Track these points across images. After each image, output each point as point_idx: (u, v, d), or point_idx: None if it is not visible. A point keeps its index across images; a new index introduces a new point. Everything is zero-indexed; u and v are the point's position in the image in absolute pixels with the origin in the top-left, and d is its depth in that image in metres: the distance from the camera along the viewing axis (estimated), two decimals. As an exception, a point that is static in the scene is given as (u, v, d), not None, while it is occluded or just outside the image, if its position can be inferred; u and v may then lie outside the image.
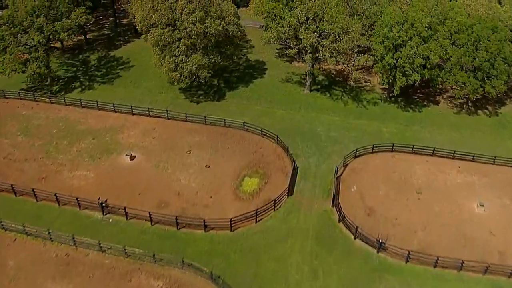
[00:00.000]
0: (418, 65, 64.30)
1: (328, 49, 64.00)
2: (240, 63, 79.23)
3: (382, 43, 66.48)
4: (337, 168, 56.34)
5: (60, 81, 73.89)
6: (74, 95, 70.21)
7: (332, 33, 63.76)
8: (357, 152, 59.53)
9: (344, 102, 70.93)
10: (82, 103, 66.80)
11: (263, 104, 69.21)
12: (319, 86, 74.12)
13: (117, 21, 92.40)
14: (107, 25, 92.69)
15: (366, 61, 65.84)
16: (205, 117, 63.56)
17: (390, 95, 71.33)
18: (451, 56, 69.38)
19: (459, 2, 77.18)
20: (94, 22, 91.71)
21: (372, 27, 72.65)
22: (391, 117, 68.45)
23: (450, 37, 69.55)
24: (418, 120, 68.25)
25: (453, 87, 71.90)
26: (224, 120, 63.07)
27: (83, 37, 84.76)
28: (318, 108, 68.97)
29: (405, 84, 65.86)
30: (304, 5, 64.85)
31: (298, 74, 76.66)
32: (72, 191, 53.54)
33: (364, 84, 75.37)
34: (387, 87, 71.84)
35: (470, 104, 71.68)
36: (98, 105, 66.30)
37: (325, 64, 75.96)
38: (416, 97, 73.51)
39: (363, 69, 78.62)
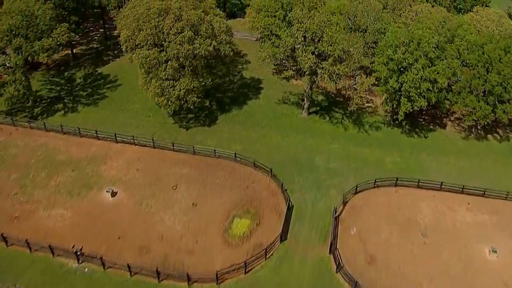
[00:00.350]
0: (424, 89, 58.42)
1: (328, 71, 58.16)
2: (234, 81, 73.46)
3: (386, 64, 60.56)
4: (336, 209, 50.80)
5: (43, 102, 68.32)
6: (56, 119, 64.63)
7: (332, 55, 57.85)
8: (358, 188, 53.97)
9: (344, 126, 65.13)
10: (64, 129, 61.32)
11: (258, 129, 63.45)
12: (318, 108, 68.27)
13: (107, 33, 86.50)
14: (96, 37, 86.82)
15: (369, 86, 59.88)
16: (193, 147, 58.01)
17: (394, 117, 65.42)
18: (460, 77, 63.58)
19: (467, 18, 70.98)
20: (83, 35, 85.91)
21: (375, 43, 66.69)
22: (394, 143, 62.62)
23: (458, 57, 63.58)
24: (424, 147, 62.43)
25: (462, 111, 65.87)
26: (214, 150, 57.47)
27: (70, 52, 79.03)
28: (317, 133, 63.19)
29: (411, 110, 59.97)
30: (301, 24, 58.87)
31: (296, 94, 70.78)
32: (47, 233, 48.31)
33: (366, 105, 69.50)
34: (390, 109, 65.86)
35: (479, 127, 65.68)
36: (80, 132, 60.82)
37: (325, 82, 70.03)
38: (421, 120, 67.62)
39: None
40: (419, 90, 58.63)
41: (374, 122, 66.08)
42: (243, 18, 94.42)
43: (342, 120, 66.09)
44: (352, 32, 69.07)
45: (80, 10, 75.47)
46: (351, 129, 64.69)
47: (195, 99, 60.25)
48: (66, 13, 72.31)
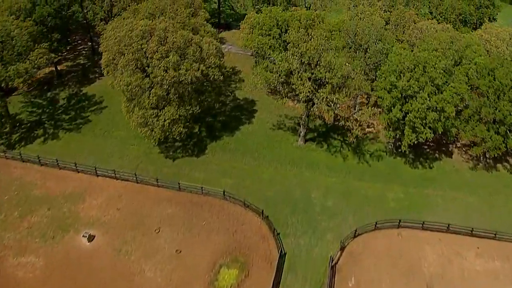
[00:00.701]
0: (431, 120, 52.63)
1: (325, 100, 52.40)
2: (226, 102, 67.67)
3: (389, 91, 54.71)
4: (332, 258, 45.41)
5: (22, 127, 62.73)
6: (35, 147, 59.07)
7: (330, 83, 52.04)
8: (357, 231, 48.54)
9: (343, 156, 59.39)
10: (41, 160, 55.86)
11: (250, 160, 57.75)
12: (315, 134, 62.45)
13: (95, 46, 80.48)
14: (84, 51, 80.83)
15: (370, 116, 54.11)
16: (179, 183, 52.48)
17: (398, 144, 59.59)
18: (468, 103, 57.80)
19: (476, 37, 64.72)
20: (70, 49, 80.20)
21: (378, 65, 60.72)
22: (397, 176, 56.92)
23: (467, 81, 57.72)
24: (429, 180, 56.71)
25: (470, 141, 59.79)
26: (202, 188, 51.99)
27: (54, 69, 73.21)
28: (313, 165, 57.46)
29: (415, 142, 54.26)
30: (297, 48, 53.01)
31: (292, 117, 64.88)
32: (15, 286, 43.28)
33: (367, 130, 63.60)
34: (393, 139, 59.85)
35: (488, 156, 59.92)
36: (59, 164, 55.41)
37: (322, 111, 63.24)
38: (426, 147, 61.69)
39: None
40: (424, 121, 52.89)
41: (375, 151, 60.31)
42: (239, 29, 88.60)
43: (341, 149, 60.30)
44: (352, 51, 63.46)
45: (63, 26, 69.52)
46: (350, 159, 58.96)
47: (181, 129, 54.54)
48: (46, 30, 66.55)
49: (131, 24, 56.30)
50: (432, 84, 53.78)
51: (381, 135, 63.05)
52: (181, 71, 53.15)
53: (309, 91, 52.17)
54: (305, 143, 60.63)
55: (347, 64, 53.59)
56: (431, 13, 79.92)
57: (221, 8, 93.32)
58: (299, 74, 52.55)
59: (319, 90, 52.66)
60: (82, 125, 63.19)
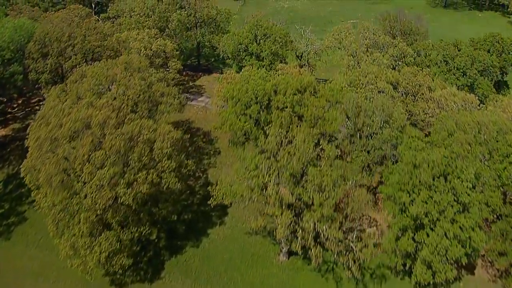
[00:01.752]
0: (454, 258, 36.89)
1: (312, 234, 36.76)
2: (195, 189, 51.84)
3: (400, 210, 38.76)
4: None
5: None
6: (-50, 262, 44.53)
7: (319, 211, 36.19)
8: None
9: (336, 278, 43.78)
10: (-50, 290, 41.41)
11: (216, 288, 42.71)
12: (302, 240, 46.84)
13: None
14: (38, 107, 64.51)
15: (372, 255, 38.53)
16: None
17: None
18: (499, 215, 41.90)
19: (509, 114, 47.92)
20: (21, 103, 64.55)
21: (383, 161, 44.76)
22: (405, 310, 41.78)
23: (498, 185, 41.65)
24: (446, 316, 41.59)
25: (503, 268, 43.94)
26: None
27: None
28: (298, 294, 42.35)
29: (431, 282, 38.67)
30: (275, 160, 36.96)
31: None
32: None
33: (367, 230, 47.84)
34: (401, 268, 43.76)
35: (520, 271, 44.42)
36: (-29, 297, 40.95)
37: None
38: (441, 258, 46.19)
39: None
40: (445, 257, 37.16)
41: (378, 268, 44.57)
42: (221, 73, 71.66)
43: (334, 266, 44.79)
44: (352, 136, 47.22)
45: (-2, 92, 53.79)
46: (345, 282, 43.46)
47: (124, 261, 39.19)
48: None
49: (60, 114, 40.28)
50: (456, 200, 37.86)
51: (385, 232, 47.13)
52: (120, 188, 37.41)
53: (288, 222, 36.49)
54: (288, 259, 45.04)
55: (343, 178, 37.49)
56: (446, 62, 62.58)
57: (201, 47, 75.56)
58: (277, 199, 36.70)
59: (303, 218, 36.79)
60: (15, 226, 47.85)
